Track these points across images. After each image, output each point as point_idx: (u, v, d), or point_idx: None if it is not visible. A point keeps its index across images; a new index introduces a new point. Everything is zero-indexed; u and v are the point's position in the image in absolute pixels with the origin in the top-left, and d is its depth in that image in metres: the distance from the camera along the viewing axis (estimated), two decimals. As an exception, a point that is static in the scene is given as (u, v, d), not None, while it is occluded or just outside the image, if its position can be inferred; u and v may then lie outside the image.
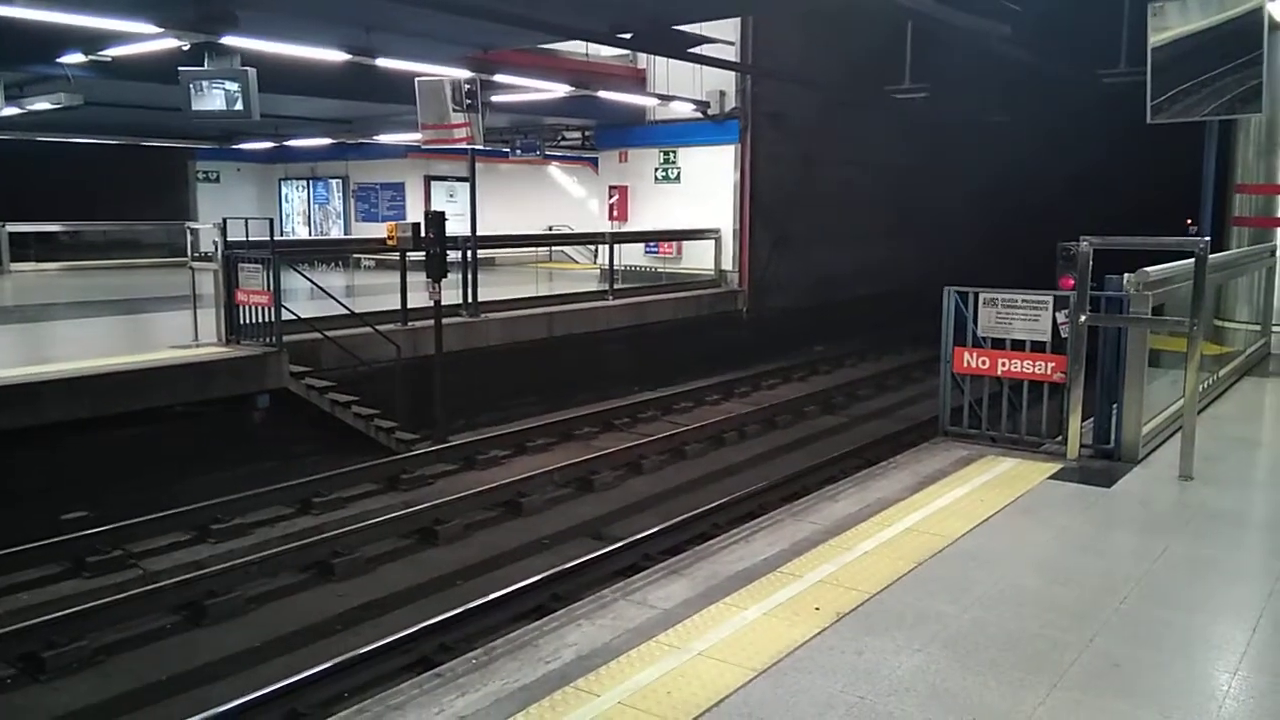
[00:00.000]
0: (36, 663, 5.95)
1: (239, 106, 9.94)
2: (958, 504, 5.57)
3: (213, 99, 10.04)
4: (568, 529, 8.65)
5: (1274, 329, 9.88)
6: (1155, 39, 8.50)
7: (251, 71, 9.87)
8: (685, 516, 8.41)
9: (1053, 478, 6.11)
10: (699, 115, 17.22)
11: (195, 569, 7.27)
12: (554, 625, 4.03)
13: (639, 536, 7.92)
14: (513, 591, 6.76)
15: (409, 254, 11.88)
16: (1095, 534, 5.25)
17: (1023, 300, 6.62)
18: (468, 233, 12.98)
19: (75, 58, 10.93)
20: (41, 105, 13.00)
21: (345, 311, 11.21)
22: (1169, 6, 8.43)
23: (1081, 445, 6.47)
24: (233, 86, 9.92)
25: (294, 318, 10.25)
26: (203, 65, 9.97)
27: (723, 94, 17.12)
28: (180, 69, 10.03)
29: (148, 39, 9.70)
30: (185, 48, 9.83)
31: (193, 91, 10.02)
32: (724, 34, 15.64)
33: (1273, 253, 9.78)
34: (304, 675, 5.56)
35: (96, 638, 6.27)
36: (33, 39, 10.28)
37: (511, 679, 3.58)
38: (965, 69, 15.42)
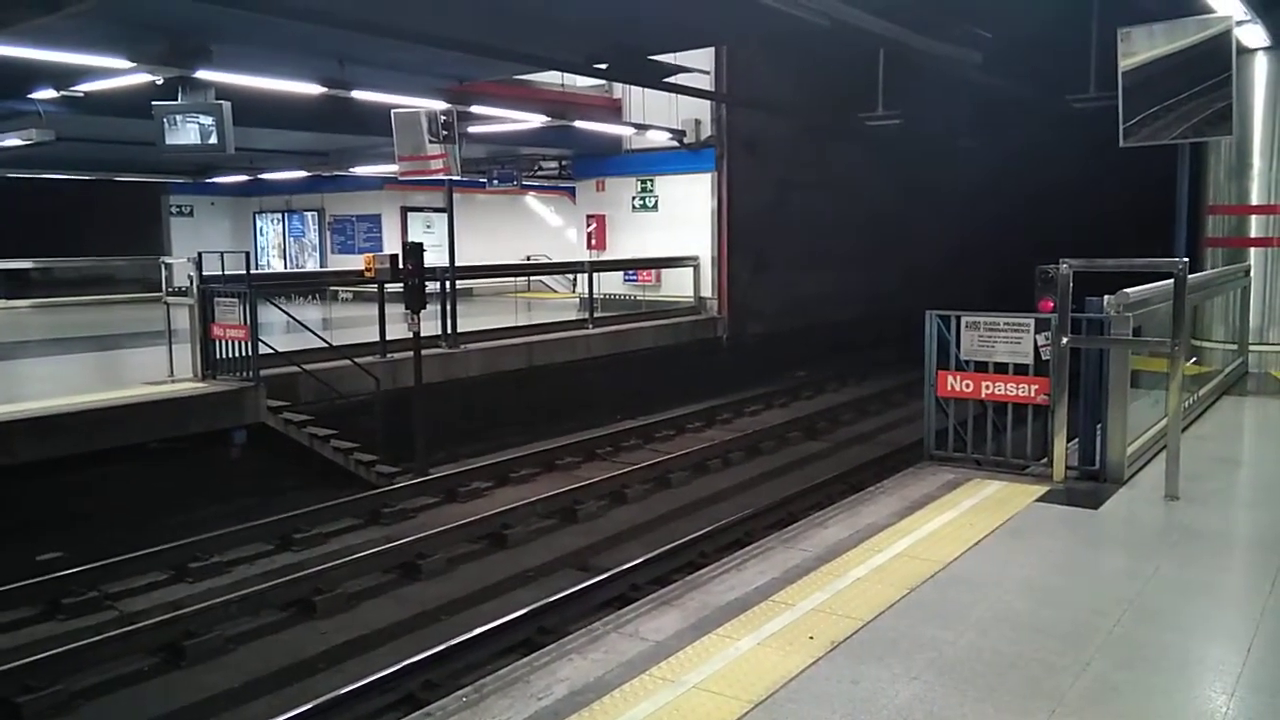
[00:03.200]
0: (12, 709, 5.80)
1: (213, 140, 9.89)
2: (947, 528, 5.55)
3: (187, 133, 9.98)
4: (553, 560, 8.55)
5: (1250, 348, 9.97)
6: (1125, 63, 8.57)
7: (226, 105, 9.82)
8: (672, 546, 8.35)
9: (1040, 500, 6.11)
10: (675, 144, 17.32)
11: (173, 609, 7.11)
12: (545, 660, 3.96)
13: (626, 567, 7.84)
14: (499, 626, 6.66)
15: (387, 286, 11.82)
16: (1085, 556, 5.24)
17: (1004, 323, 6.64)
18: (445, 264, 12.93)
19: (47, 93, 10.86)
20: (12, 141, 12.90)
21: (323, 344, 11.12)
22: (1135, 32, 8.50)
23: (1067, 467, 6.47)
24: (207, 120, 9.87)
25: (271, 352, 10.15)
26: (176, 99, 9.92)
27: (698, 122, 17.24)
28: (154, 103, 9.98)
29: (121, 74, 9.65)
30: (159, 82, 9.79)
31: (166, 126, 9.96)
32: (699, 63, 15.75)
33: (1247, 272, 9.88)
34: (286, 716, 5.44)
35: (74, 681, 6.12)
36: (3, 75, 10.21)
37: (503, 717, 3.50)
38: (938, 94, 15.60)
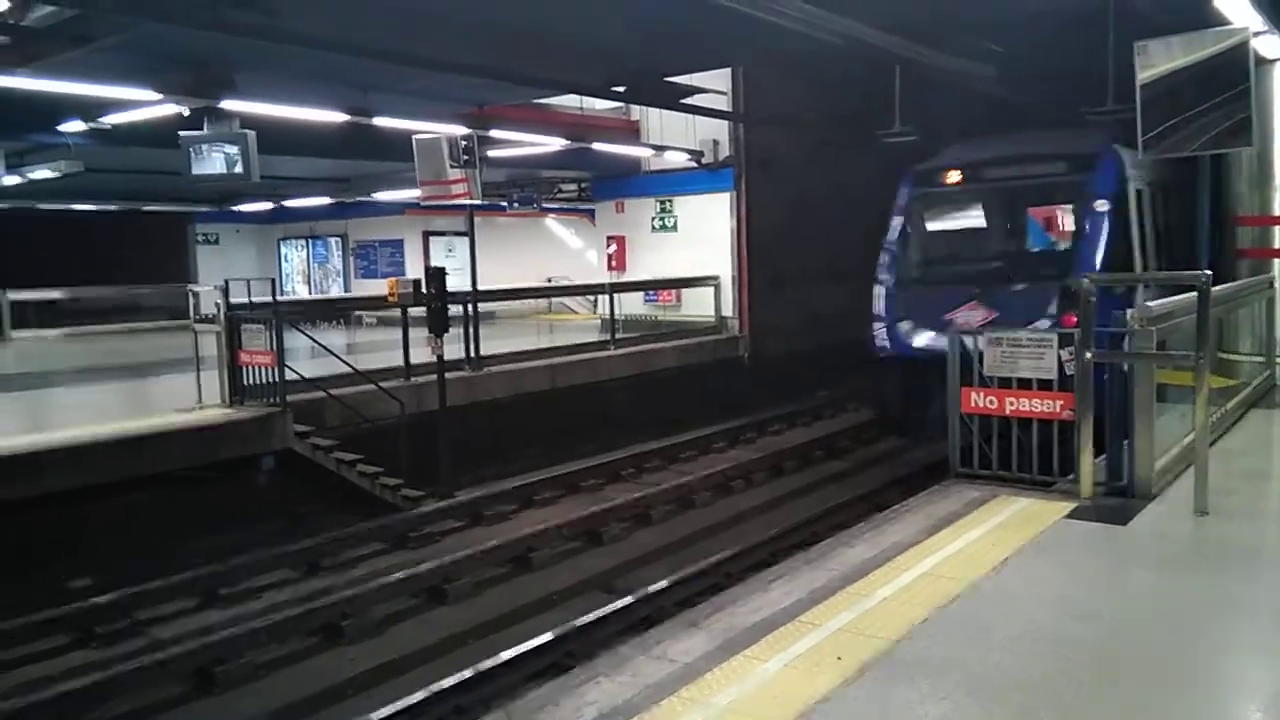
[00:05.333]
0: (45, 737, 5.87)
1: (239, 169, 10.05)
2: (973, 546, 5.52)
3: (213, 162, 10.15)
4: (578, 583, 8.56)
5: (1278, 360, 9.87)
6: (1143, 76, 8.57)
7: (251, 134, 9.99)
8: (697, 568, 8.34)
9: (1068, 517, 6.05)
10: (694, 164, 17.35)
11: (203, 635, 7.18)
12: (573, 684, 3.96)
13: (652, 589, 7.84)
14: (526, 650, 6.67)
15: (410, 310, 11.90)
16: (1114, 573, 5.20)
17: (1027, 339, 6.62)
18: (468, 287, 13.02)
19: (75, 125, 11.06)
20: (42, 173, 13.15)
21: (348, 369, 11.20)
22: (1153, 45, 8.50)
23: (1095, 483, 6.41)
24: (232, 149, 10.03)
25: (297, 377, 10.24)
26: (202, 129, 10.08)
27: (716, 143, 17.28)
28: (180, 133, 10.15)
29: (147, 105, 9.82)
30: (185, 112, 9.95)
31: (193, 155, 10.14)
32: (716, 84, 15.82)
33: (1271, 284, 9.80)
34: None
35: (106, 709, 6.19)
36: (33, 108, 10.42)
37: (533, 741, 3.52)
38: (953, 107, 15.57)
